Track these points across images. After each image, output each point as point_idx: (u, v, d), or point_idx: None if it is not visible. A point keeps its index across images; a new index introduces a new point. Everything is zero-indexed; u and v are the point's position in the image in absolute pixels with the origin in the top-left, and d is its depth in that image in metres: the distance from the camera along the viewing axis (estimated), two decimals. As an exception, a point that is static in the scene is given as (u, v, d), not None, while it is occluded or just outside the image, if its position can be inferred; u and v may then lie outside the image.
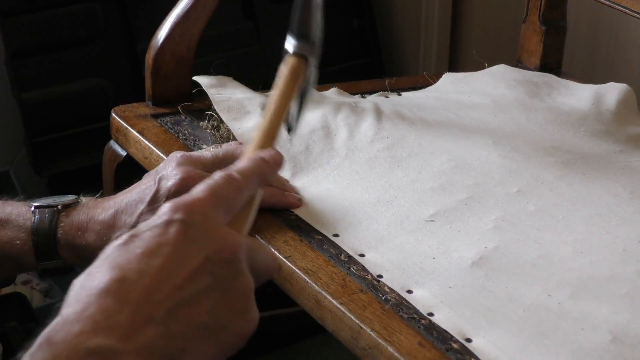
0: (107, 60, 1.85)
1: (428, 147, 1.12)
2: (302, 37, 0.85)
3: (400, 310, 0.86)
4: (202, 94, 1.22)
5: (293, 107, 0.86)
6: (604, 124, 1.20)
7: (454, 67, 2.00)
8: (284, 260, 0.92)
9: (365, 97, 1.27)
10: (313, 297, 0.89)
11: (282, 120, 0.80)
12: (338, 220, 0.98)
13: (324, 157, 1.09)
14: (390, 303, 0.86)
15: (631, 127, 1.21)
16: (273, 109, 0.80)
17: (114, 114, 1.22)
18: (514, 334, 0.82)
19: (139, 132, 1.17)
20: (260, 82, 1.52)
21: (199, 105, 1.22)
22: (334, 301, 0.87)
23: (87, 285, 0.62)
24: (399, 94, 1.29)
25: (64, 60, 1.81)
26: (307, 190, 1.03)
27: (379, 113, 1.18)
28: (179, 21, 1.21)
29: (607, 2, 1.26)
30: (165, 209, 0.66)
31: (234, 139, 1.13)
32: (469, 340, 0.82)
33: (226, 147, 0.94)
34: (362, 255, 0.93)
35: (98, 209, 0.93)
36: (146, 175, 0.94)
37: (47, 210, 0.93)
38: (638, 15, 1.23)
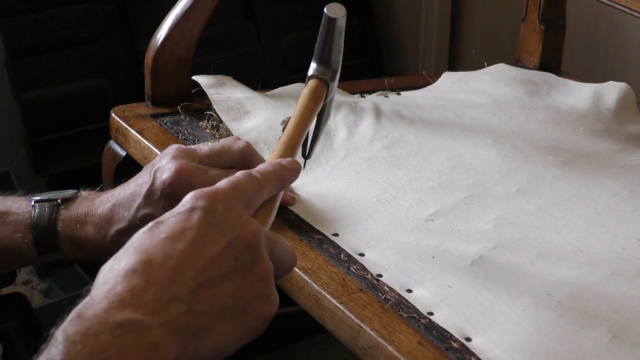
0: (106, 60, 1.85)
1: (427, 146, 1.12)
2: (324, 62, 0.90)
3: (400, 309, 0.86)
4: (201, 94, 1.22)
5: (310, 131, 0.90)
6: (604, 123, 1.20)
7: (453, 66, 2.00)
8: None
9: (364, 97, 1.27)
10: (313, 296, 0.89)
11: (302, 136, 0.85)
12: (338, 220, 0.98)
13: (323, 157, 1.09)
14: (390, 302, 0.86)
15: (630, 126, 1.21)
16: (294, 124, 0.85)
17: (113, 114, 1.22)
18: (513, 333, 0.82)
19: (138, 132, 1.17)
20: (259, 81, 1.53)
21: (199, 105, 1.22)
22: (333, 300, 0.87)
23: (114, 268, 0.65)
24: (399, 94, 1.29)
25: (64, 60, 1.81)
26: (305, 189, 1.03)
27: (378, 112, 1.18)
28: (179, 21, 1.22)
29: (606, 1, 1.26)
30: (188, 197, 0.69)
31: (234, 139, 1.13)
32: (468, 339, 0.82)
33: (223, 141, 0.94)
34: (361, 255, 0.93)
35: (96, 203, 0.93)
36: (144, 168, 0.95)
37: (46, 204, 0.94)
38: (637, 14, 1.23)
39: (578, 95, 1.26)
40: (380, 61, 2.09)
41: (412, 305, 0.86)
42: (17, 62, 1.77)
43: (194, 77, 1.23)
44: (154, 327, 0.63)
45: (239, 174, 0.74)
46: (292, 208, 0.99)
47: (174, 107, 1.22)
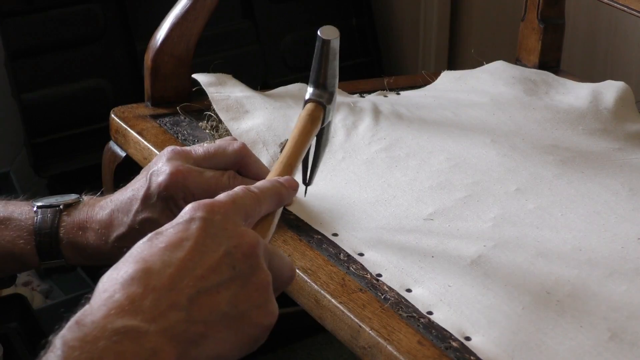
0: (106, 61, 1.86)
1: (426, 146, 1.12)
2: (320, 86, 0.92)
3: (400, 309, 0.86)
4: (201, 94, 1.22)
5: (309, 156, 0.92)
6: (602, 122, 1.20)
7: (452, 66, 2.00)
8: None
9: (364, 97, 1.27)
10: (312, 296, 0.89)
11: (300, 156, 0.86)
12: (337, 220, 0.98)
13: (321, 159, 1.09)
14: (389, 302, 0.86)
15: (629, 125, 1.21)
16: (291, 145, 0.86)
17: (113, 115, 1.22)
18: (513, 332, 0.82)
19: (138, 133, 1.17)
20: (259, 81, 1.53)
21: (198, 106, 1.22)
22: (333, 300, 0.87)
23: (113, 277, 0.66)
24: (398, 93, 1.29)
25: (64, 61, 1.81)
26: (302, 189, 1.03)
27: (377, 113, 1.18)
28: (178, 21, 1.22)
29: (605, 0, 1.26)
30: (187, 208, 0.70)
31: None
32: (468, 338, 0.82)
33: (219, 142, 0.94)
34: (361, 255, 0.93)
35: (96, 208, 0.93)
36: (141, 171, 0.95)
37: (49, 209, 0.94)
38: (636, 13, 1.23)
39: (577, 94, 1.26)
40: (380, 61, 2.10)
41: (412, 304, 0.86)
42: (17, 62, 1.77)
43: (194, 76, 1.23)
44: (152, 333, 0.63)
45: (238, 188, 0.75)
46: (291, 208, 1.00)
47: (174, 107, 1.22)
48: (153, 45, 1.23)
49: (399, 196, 1.02)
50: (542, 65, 1.39)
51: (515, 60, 1.42)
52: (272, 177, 0.82)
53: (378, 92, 1.28)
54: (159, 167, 0.90)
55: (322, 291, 0.88)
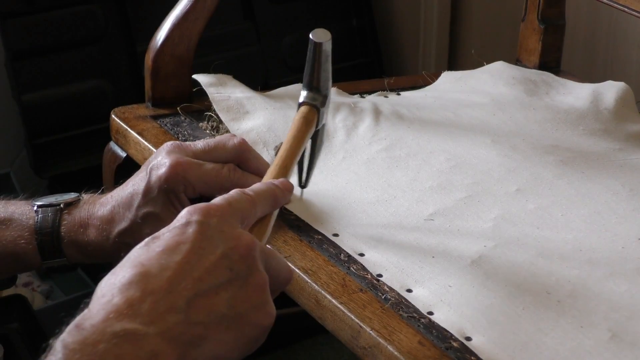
0: (106, 62, 1.86)
1: (427, 146, 1.12)
2: (314, 89, 0.92)
3: (400, 309, 0.86)
4: (201, 94, 1.22)
5: (305, 159, 0.92)
6: (603, 123, 1.20)
7: (453, 66, 2.00)
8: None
9: (364, 97, 1.27)
10: (313, 296, 0.89)
11: (295, 158, 0.87)
12: (337, 220, 0.98)
13: (321, 159, 1.09)
14: (390, 302, 0.87)
15: (630, 125, 1.21)
16: (286, 148, 0.87)
17: (113, 116, 1.22)
18: (513, 332, 0.82)
19: (138, 134, 1.17)
20: (259, 82, 1.52)
21: (199, 106, 1.22)
22: (333, 301, 0.87)
23: (111, 281, 0.66)
24: (398, 94, 1.29)
25: (64, 62, 1.81)
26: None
27: (377, 114, 1.18)
28: (178, 22, 1.22)
29: (605, 1, 1.26)
30: (183, 212, 0.70)
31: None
32: (468, 338, 0.82)
33: (218, 137, 0.94)
34: (361, 255, 0.93)
35: (97, 205, 0.93)
36: (142, 167, 0.95)
37: (50, 209, 0.94)
38: (636, 14, 1.23)
39: (577, 94, 1.26)
40: (380, 61, 2.10)
41: (412, 304, 0.86)
42: (17, 63, 1.77)
43: (194, 76, 1.23)
44: (151, 336, 0.63)
45: (233, 191, 0.75)
46: (291, 208, 1.00)
47: (174, 108, 1.22)
48: (153, 46, 1.23)
49: (400, 196, 1.02)
50: (543, 66, 1.39)
51: (516, 60, 1.42)
52: (267, 179, 0.83)
53: (378, 92, 1.29)
54: (159, 160, 0.90)
55: (322, 291, 0.88)
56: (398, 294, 0.88)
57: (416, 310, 0.85)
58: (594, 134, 1.18)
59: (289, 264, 0.74)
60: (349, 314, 0.85)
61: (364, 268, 0.91)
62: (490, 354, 0.80)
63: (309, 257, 0.93)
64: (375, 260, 0.92)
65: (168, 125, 1.20)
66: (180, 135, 1.17)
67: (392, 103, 1.23)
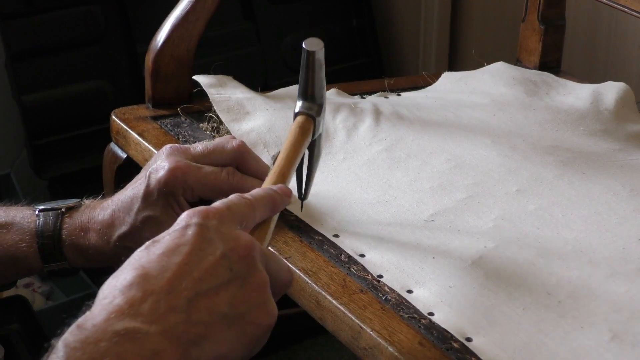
0: (107, 63, 1.86)
1: (427, 147, 1.12)
2: (309, 98, 0.92)
3: (401, 310, 0.86)
4: (201, 95, 1.22)
5: (303, 169, 0.93)
6: (603, 123, 1.20)
7: (453, 67, 2.00)
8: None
9: (364, 98, 1.27)
10: (313, 297, 0.89)
11: (292, 166, 0.87)
12: (338, 221, 0.98)
13: (321, 160, 1.09)
14: (390, 303, 0.87)
15: (630, 126, 1.21)
16: (283, 156, 0.87)
17: (114, 116, 1.22)
18: (514, 332, 0.82)
19: (139, 134, 1.17)
20: (259, 83, 1.52)
21: (199, 107, 1.22)
22: (334, 301, 0.87)
23: (113, 284, 0.67)
24: (399, 94, 1.29)
25: (64, 63, 1.81)
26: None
27: (377, 114, 1.18)
28: (179, 23, 1.22)
29: (605, 1, 1.26)
30: (182, 216, 0.71)
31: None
32: (469, 339, 0.82)
33: (217, 140, 0.94)
34: (362, 256, 0.93)
35: (97, 209, 0.94)
36: (142, 170, 0.95)
37: (51, 212, 0.94)
38: (637, 14, 1.23)
39: (577, 95, 1.26)
40: (380, 62, 2.10)
41: (413, 305, 0.86)
42: (18, 64, 1.77)
43: (195, 77, 1.23)
44: (152, 334, 0.64)
45: (232, 196, 0.76)
46: (292, 209, 1.00)
47: (174, 108, 1.23)
48: (154, 47, 1.23)
49: (400, 197, 1.02)
50: (543, 66, 1.39)
51: (516, 61, 1.43)
52: (265, 186, 0.83)
53: (379, 93, 1.29)
54: (158, 164, 0.90)
55: (323, 292, 0.88)
56: (398, 294, 0.88)
57: (416, 311, 0.86)
58: (594, 135, 1.18)
59: (290, 266, 0.74)
60: (349, 314, 0.85)
61: (364, 269, 0.91)
62: (490, 354, 0.80)
63: (309, 258, 0.93)
64: (376, 261, 0.92)
65: (168, 126, 1.20)
66: (180, 136, 1.17)
67: (392, 104, 1.23)
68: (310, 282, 0.90)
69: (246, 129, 1.13)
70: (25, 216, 0.95)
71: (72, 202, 0.96)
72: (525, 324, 0.83)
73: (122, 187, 0.94)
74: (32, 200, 1.00)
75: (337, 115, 1.16)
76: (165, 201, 0.89)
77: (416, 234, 0.96)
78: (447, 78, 1.33)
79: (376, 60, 2.09)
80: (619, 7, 1.24)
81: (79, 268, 0.97)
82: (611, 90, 1.26)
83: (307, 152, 0.92)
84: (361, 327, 0.84)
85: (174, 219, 0.72)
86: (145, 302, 0.65)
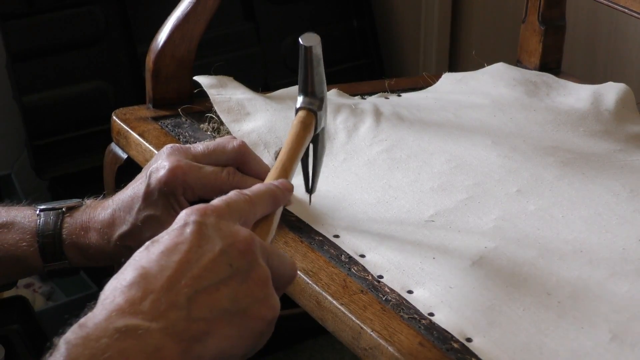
0: (107, 63, 1.86)
1: (427, 147, 1.12)
2: (309, 94, 0.92)
3: (401, 310, 0.86)
4: (202, 96, 1.22)
5: (309, 164, 0.93)
6: (603, 124, 1.21)
7: (453, 67, 2.00)
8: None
9: (365, 99, 1.27)
10: (314, 298, 0.89)
11: (294, 161, 0.87)
12: (338, 221, 0.98)
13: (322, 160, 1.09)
14: (390, 303, 0.87)
15: (630, 127, 1.21)
16: (285, 151, 0.87)
17: (114, 117, 1.22)
18: (514, 333, 0.82)
19: (139, 135, 1.18)
20: (260, 83, 1.52)
21: (200, 108, 1.23)
22: (334, 302, 0.87)
23: (114, 285, 0.67)
24: (399, 95, 1.29)
25: (65, 63, 1.82)
26: (302, 190, 1.03)
27: (378, 115, 1.18)
28: (179, 23, 1.22)
29: (606, 2, 1.26)
30: (181, 214, 0.71)
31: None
32: (469, 339, 0.82)
33: (218, 140, 0.94)
34: (362, 256, 0.93)
35: (98, 209, 0.94)
36: (142, 170, 0.95)
37: (51, 212, 0.94)
38: (637, 15, 1.23)
39: (577, 96, 1.27)
40: (381, 62, 2.10)
41: (413, 306, 0.86)
42: (18, 65, 1.77)
43: (195, 78, 1.23)
44: (153, 331, 0.64)
45: (231, 192, 0.76)
46: (292, 209, 1.00)
47: (175, 109, 1.23)
48: (154, 48, 1.23)
49: (400, 197, 1.02)
50: (543, 67, 1.39)
51: (516, 61, 1.43)
52: (266, 182, 0.83)
53: (379, 94, 1.29)
54: (159, 163, 0.91)
55: (323, 293, 0.88)
56: (399, 295, 0.88)
57: (417, 312, 0.86)
58: (595, 135, 1.18)
59: (293, 260, 0.74)
60: (349, 315, 0.85)
61: (364, 269, 0.91)
62: (491, 355, 0.80)
63: (309, 259, 0.93)
64: (376, 262, 0.92)
65: (169, 126, 1.20)
66: (181, 136, 1.17)
67: (392, 104, 1.23)
68: (310, 282, 0.90)
69: (247, 129, 1.14)
70: (26, 216, 0.95)
71: (73, 202, 0.96)
72: (525, 324, 0.83)
73: (122, 187, 0.95)
74: (32, 200, 1.00)
75: (337, 116, 1.16)
76: (166, 201, 0.89)
77: (416, 234, 0.96)
78: (448, 79, 1.33)
79: (376, 61, 2.09)
80: (619, 8, 1.24)
81: (79, 268, 0.97)
82: (611, 91, 1.26)
83: (311, 146, 0.92)
84: (362, 328, 0.84)
85: (174, 218, 0.73)
86: (146, 300, 0.66)
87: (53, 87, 1.81)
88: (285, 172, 0.85)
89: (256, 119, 1.15)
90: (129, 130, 1.19)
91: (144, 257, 0.69)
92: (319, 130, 0.93)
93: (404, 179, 1.06)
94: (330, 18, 2.06)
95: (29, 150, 1.79)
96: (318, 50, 0.91)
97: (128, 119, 1.21)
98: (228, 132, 1.15)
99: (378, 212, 1.00)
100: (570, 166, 1.10)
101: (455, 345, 0.82)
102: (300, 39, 0.91)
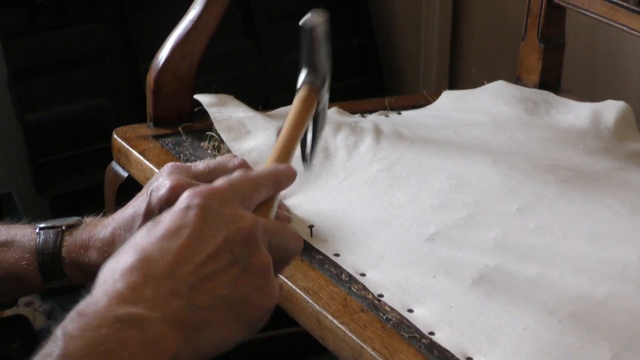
0: (108, 81, 1.86)
1: (427, 166, 1.12)
2: (312, 69, 0.91)
3: (401, 329, 0.86)
4: (203, 114, 1.22)
5: (308, 138, 0.90)
6: (603, 142, 1.21)
7: (454, 85, 2.01)
8: (285, 280, 0.92)
9: (365, 117, 1.27)
10: (314, 316, 0.89)
11: (296, 140, 0.85)
12: (339, 240, 0.98)
13: (322, 179, 1.09)
14: (391, 322, 0.87)
15: (630, 144, 1.21)
16: (287, 130, 0.85)
17: (115, 135, 1.22)
18: (514, 352, 0.82)
19: (140, 153, 1.18)
20: (261, 101, 1.53)
21: (200, 126, 1.23)
22: (335, 321, 0.87)
23: (113, 267, 0.66)
24: (399, 113, 1.29)
25: (66, 81, 1.82)
26: (304, 209, 1.03)
27: (378, 133, 1.18)
28: (180, 42, 1.22)
29: (605, 20, 1.27)
30: (184, 196, 0.70)
31: (235, 159, 1.13)
32: (470, 359, 0.82)
33: (219, 158, 0.94)
34: (363, 275, 0.93)
35: (98, 227, 0.94)
36: (143, 188, 0.95)
37: (51, 230, 0.94)
38: (636, 33, 1.23)
39: (577, 114, 1.27)
40: (381, 80, 2.10)
41: (413, 325, 0.86)
42: (20, 82, 1.77)
43: (196, 96, 1.23)
44: (154, 320, 0.64)
45: (235, 173, 0.75)
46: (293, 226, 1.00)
47: (176, 127, 1.23)
48: (155, 66, 1.23)
49: (401, 216, 1.02)
50: (543, 85, 1.39)
51: (516, 79, 1.43)
52: (269, 162, 0.82)
53: (379, 112, 1.29)
54: (160, 182, 0.91)
55: (323, 311, 0.88)
56: (399, 314, 0.88)
57: (417, 331, 0.86)
58: (595, 153, 1.18)
59: (297, 234, 0.74)
60: (350, 334, 0.85)
61: (365, 288, 0.91)
62: (491, 374, 0.80)
63: (310, 277, 0.93)
64: (377, 280, 0.92)
65: (169, 145, 1.20)
66: (181, 155, 1.17)
67: (393, 122, 1.23)
68: (311, 301, 0.90)
69: (247, 147, 1.14)
70: (26, 234, 0.95)
71: (72, 220, 0.96)
72: (526, 343, 0.83)
73: (123, 206, 0.95)
74: (33, 218, 1.00)
75: (337, 134, 1.17)
76: None
77: (417, 253, 0.96)
78: (448, 97, 1.33)
79: (377, 79, 2.10)
80: (618, 26, 1.25)
81: (79, 286, 0.96)
82: (611, 109, 1.26)
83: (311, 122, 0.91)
84: (362, 347, 0.84)
85: None
86: (147, 287, 0.65)
87: (54, 105, 1.81)
88: (287, 151, 0.84)
89: (257, 137, 1.15)
90: (130, 148, 1.19)
91: (145, 238, 0.68)
92: (320, 108, 0.91)
93: (404, 197, 1.06)
94: (331, 35, 2.06)
95: (30, 168, 1.79)
96: (321, 29, 0.90)
97: (129, 138, 1.21)
98: (228, 151, 1.16)
99: (378, 231, 1.00)
100: (570, 184, 1.10)
101: (456, 364, 0.82)
102: (301, 21, 0.90)
